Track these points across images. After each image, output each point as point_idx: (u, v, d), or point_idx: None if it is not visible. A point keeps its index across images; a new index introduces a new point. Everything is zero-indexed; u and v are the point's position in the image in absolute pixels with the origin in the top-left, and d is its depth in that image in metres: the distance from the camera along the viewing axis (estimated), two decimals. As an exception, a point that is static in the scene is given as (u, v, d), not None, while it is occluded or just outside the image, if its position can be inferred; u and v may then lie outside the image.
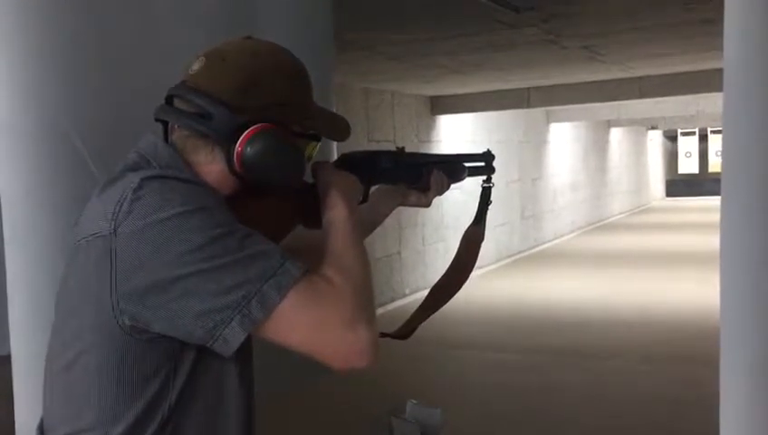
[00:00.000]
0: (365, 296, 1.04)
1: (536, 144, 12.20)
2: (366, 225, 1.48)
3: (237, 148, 1.07)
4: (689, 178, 21.41)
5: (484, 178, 1.65)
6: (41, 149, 1.30)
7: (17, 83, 1.28)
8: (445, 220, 8.89)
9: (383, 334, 1.57)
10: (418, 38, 4.91)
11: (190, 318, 0.96)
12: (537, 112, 11.72)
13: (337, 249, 1.09)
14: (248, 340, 1.03)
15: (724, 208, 1.13)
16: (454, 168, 1.54)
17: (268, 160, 1.07)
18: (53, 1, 1.30)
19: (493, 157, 1.63)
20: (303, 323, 0.99)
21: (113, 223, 0.98)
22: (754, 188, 1.09)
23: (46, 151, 1.30)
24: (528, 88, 8.59)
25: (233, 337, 0.97)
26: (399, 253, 8.25)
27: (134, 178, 1.00)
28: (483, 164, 1.62)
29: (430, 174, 1.48)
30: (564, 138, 13.65)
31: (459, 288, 1.62)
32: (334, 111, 1.93)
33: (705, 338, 5.23)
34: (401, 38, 4.90)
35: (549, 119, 12.59)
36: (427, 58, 5.80)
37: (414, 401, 1.92)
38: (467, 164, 1.59)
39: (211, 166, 1.09)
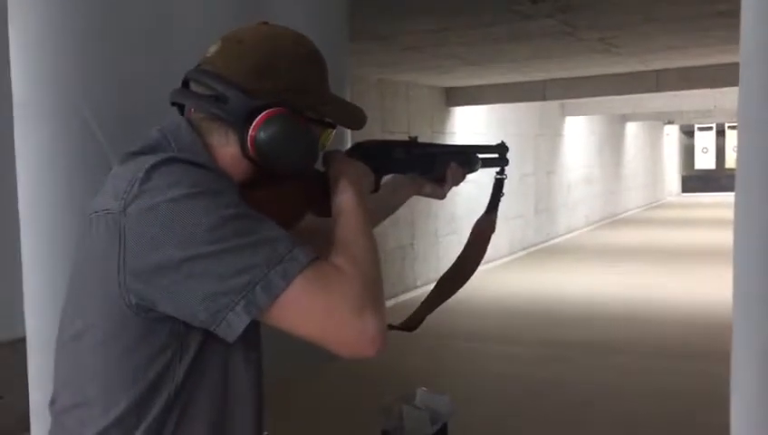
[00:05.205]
0: (373, 285, 1.02)
1: (551, 137, 12.15)
2: (379, 213, 1.47)
3: (251, 131, 1.06)
4: (705, 173, 21.31)
5: (498, 169, 1.64)
6: (57, 130, 1.31)
7: (34, 64, 1.29)
8: (458, 212, 8.88)
9: (390, 326, 1.57)
10: (433, 28, 4.90)
11: (195, 301, 0.95)
12: (552, 105, 11.67)
13: (346, 238, 1.08)
14: (256, 325, 1.02)
15: (738, 204, 1.12)
16: (468, 158, 1.54)
17: (281, 145, 1.07)
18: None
19: (507, 149, 1.62)
20: (310, 310, 0.98)
21: (123, 202, 0.98)
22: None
23: (62, 132, 1.31)
24: (544, 80, 8.54)
25: (236, 322, 0.95)
26: (412, 244, 8.25)
27: (149, 160, 1.00)
28: (497, 156, 1.61)
29: (446, 165, 1.48)
30: (579, 131, 13.58)
31: (467, 280, 1.60)
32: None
33: (720, 333, 5.20)
34: (416, 28, 4.89)
35: (564, 112, 12.52)
36: (442, 49, 5.78)
37: (424, 389, 1.92)
38: (481, 156, 1.59)
39: (225, 149, 1.09)
